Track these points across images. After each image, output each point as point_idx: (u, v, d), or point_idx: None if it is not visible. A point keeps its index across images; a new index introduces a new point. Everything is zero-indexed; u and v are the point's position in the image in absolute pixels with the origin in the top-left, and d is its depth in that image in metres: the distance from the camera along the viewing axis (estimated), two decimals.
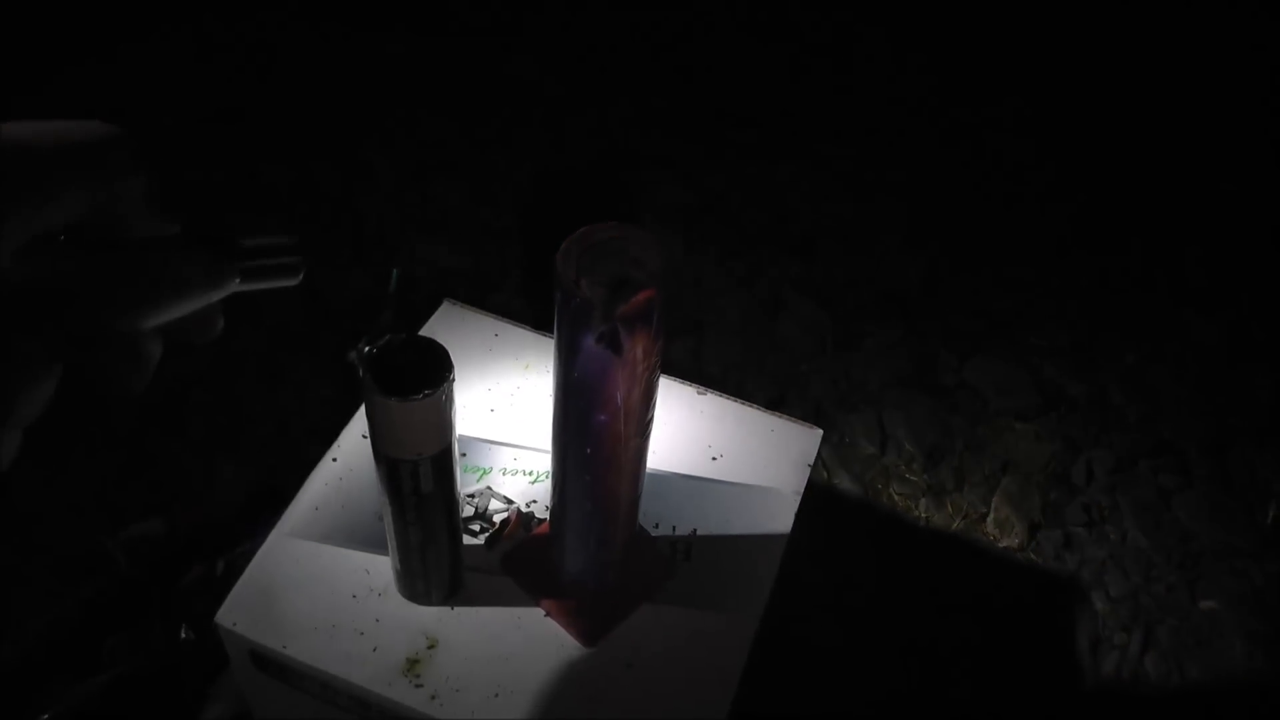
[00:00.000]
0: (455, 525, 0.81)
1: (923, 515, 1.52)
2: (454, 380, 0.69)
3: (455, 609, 0.85)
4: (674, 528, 0.92)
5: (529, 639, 0.84)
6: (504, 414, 1.00)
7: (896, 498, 1.53)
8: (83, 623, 1.15)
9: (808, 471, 0.97)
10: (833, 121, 2.15)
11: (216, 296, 0.53)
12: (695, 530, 0.92)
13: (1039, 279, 1.87)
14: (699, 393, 1.03)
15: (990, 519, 1.53)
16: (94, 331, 0.46)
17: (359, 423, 0.98)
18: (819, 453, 1.01)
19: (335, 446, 0.96)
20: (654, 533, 0.91)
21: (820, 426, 1.02)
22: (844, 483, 1.54)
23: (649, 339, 0.61)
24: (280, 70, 2.17)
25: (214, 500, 1.40)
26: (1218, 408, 1.72)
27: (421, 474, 0.72)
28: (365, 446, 0.94)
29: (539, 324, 1.06)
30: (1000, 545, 1.50)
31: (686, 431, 0.99)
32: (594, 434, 0.67)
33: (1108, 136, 2.18)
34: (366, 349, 0.68)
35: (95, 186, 0.44)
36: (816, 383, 1.66)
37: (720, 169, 2.02)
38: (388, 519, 0.78)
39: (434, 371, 0.68)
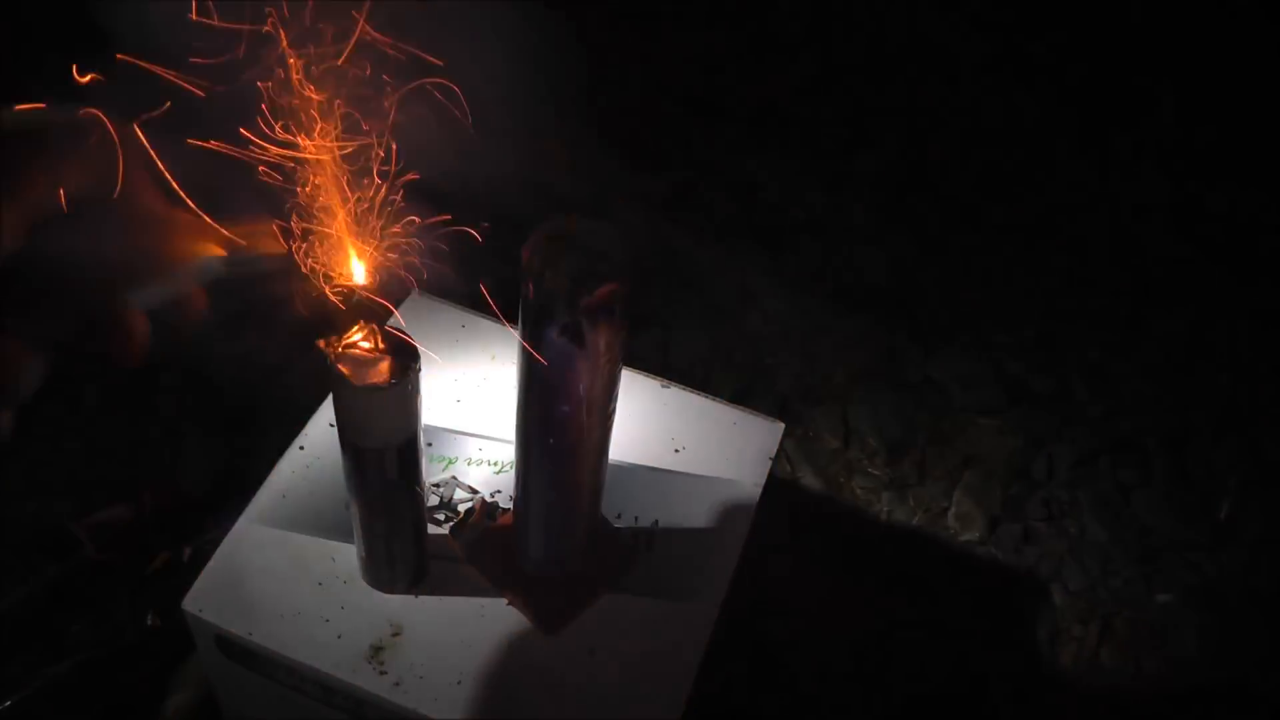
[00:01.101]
0: (420, 514, 0.83)
1: (884, 509, 1.55)
2: (420, 371, 0.70)
3: (419, 597, 0.87)
4: (636, 518, 0.94)
5: (492, 627, 0.86)
6: (470, 404, 1.01)
7: (859, 491, 1.56)
8: (46, 607, 1.16)
9: (769, 464, 0.99)
10: (806, 111, 2.17)
11: (205, 279, 0.55)
12: (657, 521, 0.94)
13: (1007, 273, 1.91)
14: (663, 385, 1.05)
15: (952, 513, 1.56)
16: (93, 311, 0.48)
17: (326, 411, 0.99)
18: (781, 446, 1.04)
19: (303, 434, 0.97)
20: (616, 523, 0.94)
21: (785, 420, 1.05)
22: (807, 476, 1.57)
23: (612, 332, 0.63)
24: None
25: (180, 484, 1.41)
26: (1178, 404, 1.75)
27: (387, 463, 0.74)
28: (332, 435, 0.96)
29: (506, 314, 1.08)
30: (961, 539, 1.54)
31: (650, 424, 1.02)
32: (557, 424, 0.69)
33: (1079, 130, 2.22)
34: (334, 338, 0.70)
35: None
36: (783, 376, 1.69)
37: (691, 158, 2.04)
38: (354, 507, 0.80)
39: (400, 362, 0.70)
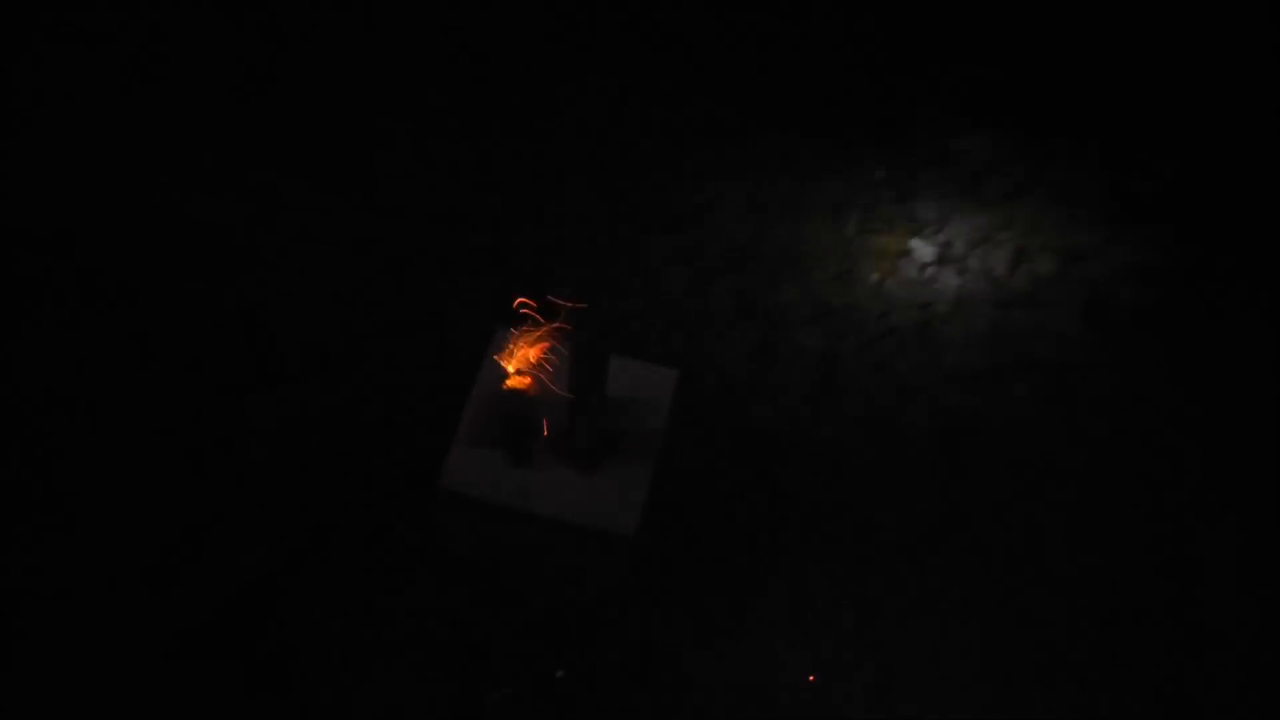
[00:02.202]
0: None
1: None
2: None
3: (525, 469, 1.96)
4: (616, 425, 1.99)
5: (565, 475, 1.88)
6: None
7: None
8: None
9: (671, 392, 2.03)
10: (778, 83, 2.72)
11: None
12: (624, 424, 1.98)
13: None
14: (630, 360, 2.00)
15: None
16: None
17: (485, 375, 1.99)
18: None
19: (476, 386, 1.99)
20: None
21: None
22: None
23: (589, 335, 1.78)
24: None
25: None
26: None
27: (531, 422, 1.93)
28: (490, 387, 1.95)
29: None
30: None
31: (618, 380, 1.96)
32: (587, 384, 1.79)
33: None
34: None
35: None
36: None
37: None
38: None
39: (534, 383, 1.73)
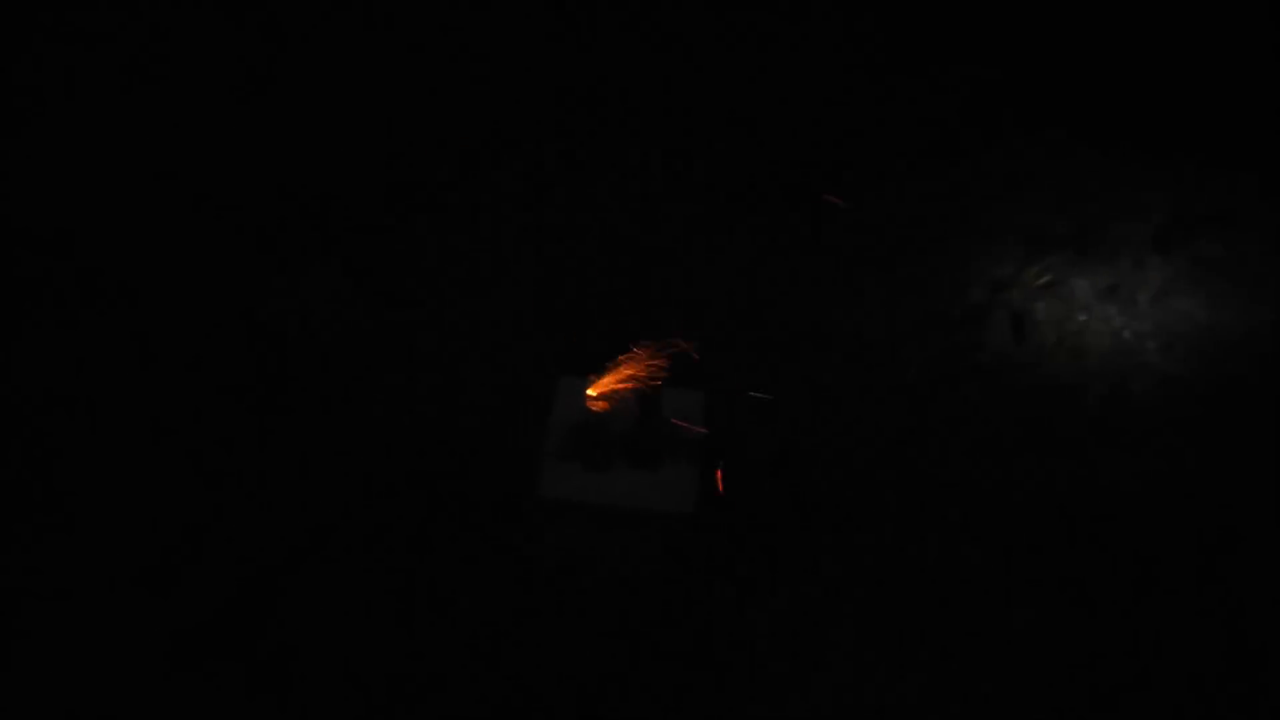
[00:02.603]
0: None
1: None
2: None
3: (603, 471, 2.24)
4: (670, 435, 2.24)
5: (629, 473, 2.21)
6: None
7: None
8: None
9: (702, 406, 2.27)
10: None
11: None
12: (675, 434, 2.23)
13: None
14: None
15: None
16: None
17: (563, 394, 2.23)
18: None
19: (557, 404, 2.23)
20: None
21: None
22: None
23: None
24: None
25: None
26: None
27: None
28: (570, 405, 2.19)
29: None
30: None
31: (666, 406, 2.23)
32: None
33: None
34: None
35: None
36: None
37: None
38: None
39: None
